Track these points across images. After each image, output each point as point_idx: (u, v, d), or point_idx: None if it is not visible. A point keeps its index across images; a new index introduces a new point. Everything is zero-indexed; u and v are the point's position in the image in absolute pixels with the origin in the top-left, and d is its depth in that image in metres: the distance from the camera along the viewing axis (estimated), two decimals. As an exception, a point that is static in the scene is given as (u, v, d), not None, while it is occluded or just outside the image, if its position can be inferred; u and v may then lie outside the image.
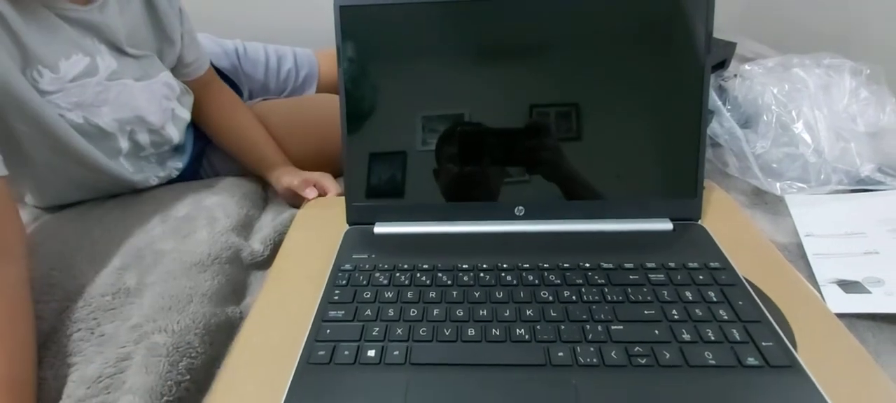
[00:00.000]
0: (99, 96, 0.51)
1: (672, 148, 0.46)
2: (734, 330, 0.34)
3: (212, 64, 0.80)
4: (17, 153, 0.49)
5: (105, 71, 0.52)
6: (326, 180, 0.60)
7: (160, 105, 0.58)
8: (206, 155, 0.73)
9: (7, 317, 0.38)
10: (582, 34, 0.45)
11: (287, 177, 0.61)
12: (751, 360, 0.32)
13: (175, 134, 0.61)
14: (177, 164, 0.65)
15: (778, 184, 0.56)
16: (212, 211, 0.55)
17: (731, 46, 0.74)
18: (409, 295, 0.39)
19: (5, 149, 0.45)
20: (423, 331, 0.36)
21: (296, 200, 0.61)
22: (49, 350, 0.41)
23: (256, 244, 0.53)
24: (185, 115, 0.63)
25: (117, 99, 0.53)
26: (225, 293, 0.46)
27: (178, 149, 0.65)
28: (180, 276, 0.45)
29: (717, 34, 0.81)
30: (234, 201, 0.59)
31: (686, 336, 0.34)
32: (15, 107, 0.45)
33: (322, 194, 0.59)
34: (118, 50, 0.53)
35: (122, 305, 0.43)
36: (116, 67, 0.53)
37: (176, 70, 0.63)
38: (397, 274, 0.41)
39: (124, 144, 0.56)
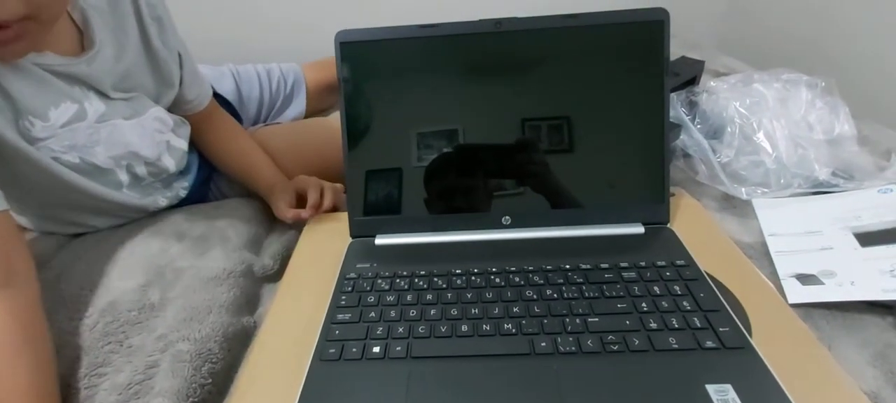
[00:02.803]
0: (91, 138, 0.54)
1: (640, 160, 0.51)
2: (695, 318, 0.39)
3: (216, 92, 0.85)
4: (35, 193, 0.53)
5: (94, 115, 0.54)
6: (302, 185, 0.64)
7: (153, 139, 0.60)
8: (213, 179, 0.77)
9: (24, 336, 0.41)
10: (559, 68, 0.51)
11: (276, 210, 0.64)
12: (709, 343, 0.37)
13: (171, 163, 0.63)
14: (183, 184, 0.68)
15: (743, 189, 0.61)
16: (224, 231, 0.60)
17: (699, 65, 0.80)
18: (409, 298, 0.43)
19: (24, 190, 0.48)
20: (421, 329, 0.40)
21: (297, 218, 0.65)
22: (81, 362, 0.45)
23: (266, 259, 0.57)
24: (182, 145, 0.65)
25: (109, 138, 0.55)
26: (240, 304, 0.51)
27: (183, 173, 0.69)
28: (199, 290, 0.50)
29: (695, 51, 0.88)
30: (243, 220, 0.64)
31: (653, 325, 0.38)
32: (14, 155, 0.49)
33: (303, 198, 0.63)
34: (105, 96, 0.55)
35: (148, 319, 0.47)
36: (105, 110, 0.55)
37: (177, 106, 0.67)
38: (397, 280, 0.45)
39: (124, 177, 0.59)
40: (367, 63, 0.52)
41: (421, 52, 0.51)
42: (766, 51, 1.11)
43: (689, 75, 0.78)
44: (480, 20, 0.51)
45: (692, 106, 0.70)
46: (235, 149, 0.72)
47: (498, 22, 0.50)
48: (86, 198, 0.56)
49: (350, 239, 0.53)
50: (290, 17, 1.17)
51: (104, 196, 0.57)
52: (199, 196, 0.73)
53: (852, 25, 0.95)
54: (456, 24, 0.51)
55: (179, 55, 0.64)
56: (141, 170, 0.60)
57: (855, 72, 0.87)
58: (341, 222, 0.54)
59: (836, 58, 0.97)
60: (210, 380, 0.43)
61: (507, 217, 0.52)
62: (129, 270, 0.52)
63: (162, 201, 0.64)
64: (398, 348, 0.39)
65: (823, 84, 0.67)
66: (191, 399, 0.41)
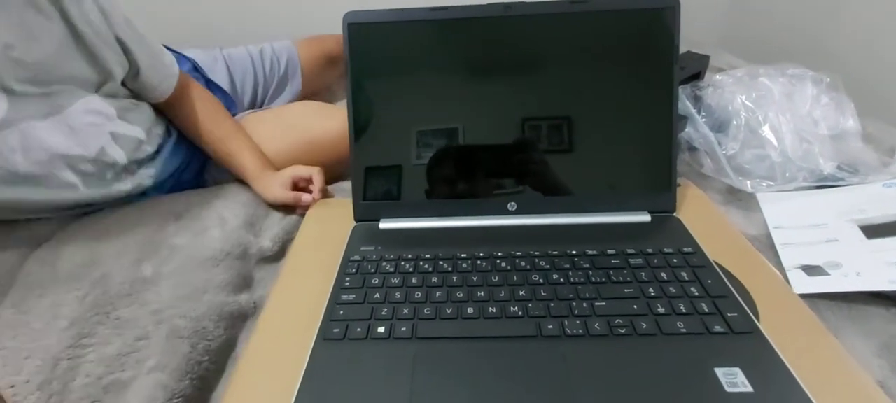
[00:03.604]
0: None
1: (648, 149, 0.50)
2: (703, 304, 0.38)
3: (211, 81, 0.83)
4: None
5: None
6: (301, 171, 0.62)
7: (87, 134, 0.53)
8: (207, 168, 0.75)
9: None
10: (569, 53, 0.50)
11: (272, 193, 0.62)
12: (717, 328, 0.36)
13: (120, 154, 0.57)
14: (149, 171, 0.62)
15: (748, 182, 0.61)
16: (221, 213, 0.59)
17: (705, 59, 0.80)
18: (414, 280, 0.43)
19: None
20: (427, 310, 0.39)
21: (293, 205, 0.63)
22: (67, 333, 0.43)
23: (266, 241, 0.56)
24: (132, 131, 0.59)
25: (23, 144, 0.48)
26: (236, 284, 0.50)
27: (153, 158, 0.63)
28: (195, 268, 0.49)
29: (698, 48, 0.88)
30: (240, 204, 0.62)
31: (661, 310, 0.38)
32: None
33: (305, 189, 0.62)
34: (8, 91, 0.48)
35: (139, 292, 0.46)
36: (6, 113, 0.47)
37: (147, 93, 0.62)
38: (402, 263, 0.45)
39: (70, 177, 0.53)
40: (376, 45, 0.51)
41: (430, 35, 0.51)
42: (769, 49, 1.11)
43: (695, 69, 0.78)
44: (490, 4, 0.50)
45: (697, 100, 0.70)
46: (215, 132, 0.67)
47: (507, 6, 0.50)
48: (25, 206, 0.51)
49: (353, 223, 0.52)
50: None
51: (45, 201, 0.51)
52: (195, 183, 0.71)
53: (856, 24, 0.95)
54: (465, 7, 0.50)
55: (119, 40, 0.56)
56: (85, 166, 0.54)
57: (859, 71, 0.87)
58: (344, 207, 0.53)
59: (839, 56, 0.97)
60: (207, 358, 0.42)
61: (513, 203, 0.51)
62: (124, 247, 0.51)
63: (119, 191, 0.59)
64: (403, 329, 0.38)
65: (829, 80, 0.66)
66: (189, 375, 0.40)
